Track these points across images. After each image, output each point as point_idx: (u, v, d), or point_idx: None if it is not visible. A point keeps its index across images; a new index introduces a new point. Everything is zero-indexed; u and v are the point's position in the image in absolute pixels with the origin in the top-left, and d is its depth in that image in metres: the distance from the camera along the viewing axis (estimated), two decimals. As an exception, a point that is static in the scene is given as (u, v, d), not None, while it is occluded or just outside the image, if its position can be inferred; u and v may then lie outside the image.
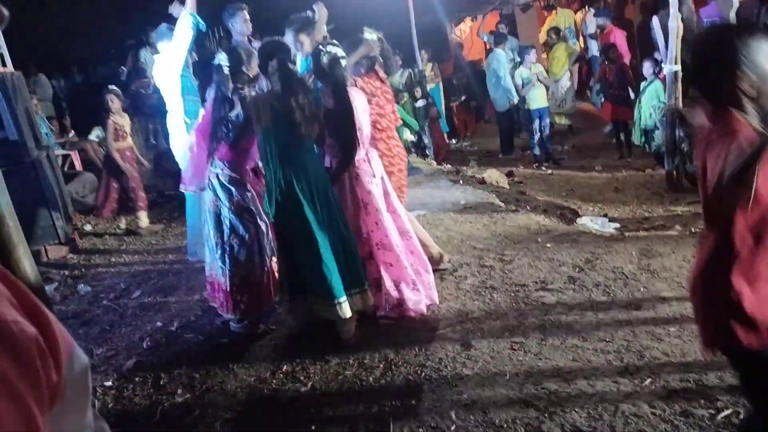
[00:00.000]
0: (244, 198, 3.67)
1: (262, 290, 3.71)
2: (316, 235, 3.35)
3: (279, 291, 3.72)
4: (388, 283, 3.65)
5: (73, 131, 10.77)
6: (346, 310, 3.39)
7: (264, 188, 3.52)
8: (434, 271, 4.04)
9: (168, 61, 4.90)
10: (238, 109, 3.57)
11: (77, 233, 6.66)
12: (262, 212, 3.68)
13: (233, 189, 3.64)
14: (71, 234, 6.42)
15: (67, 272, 5.63)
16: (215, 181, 3.65)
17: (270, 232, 3.70)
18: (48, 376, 0.57)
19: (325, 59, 3.55)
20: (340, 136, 3.55)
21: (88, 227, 7.04)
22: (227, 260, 3.65)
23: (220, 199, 3.65)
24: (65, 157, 8.99)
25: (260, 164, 3.65)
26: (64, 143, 9.45)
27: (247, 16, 5.04)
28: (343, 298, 3.39)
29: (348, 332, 3.49)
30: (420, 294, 3.71)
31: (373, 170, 3.70)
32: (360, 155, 3.64)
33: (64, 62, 14.01)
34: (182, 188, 4.35)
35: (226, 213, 3.65)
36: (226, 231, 3.65)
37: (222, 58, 3.70)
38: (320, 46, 3.65)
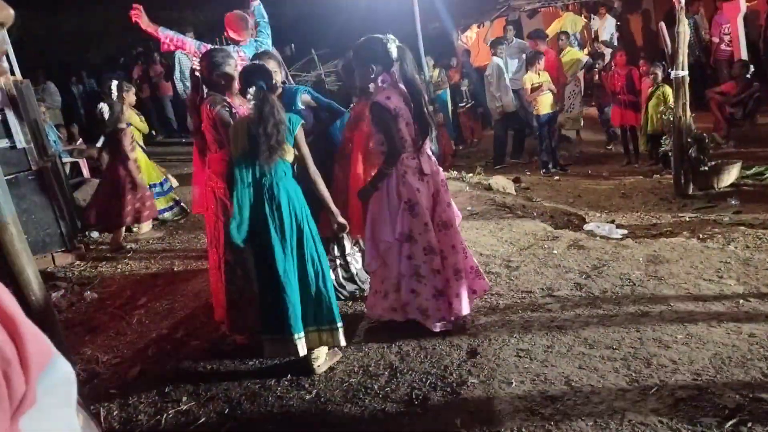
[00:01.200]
0: None
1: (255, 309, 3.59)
2: (278, 265, 3.17)
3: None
4: (433, 293, 3.50)
5: (81, 139, 10.84)
6: (301, 349, 3.21)
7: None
8: None
9: None
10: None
11: (84, 241, 6.68)
12: None
13: (228, 203, 3.56)
14: (78, 241, 6.44)
15: (73, 279, 5.65)
16: (211, 195, 3.63)
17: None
18: (13, 386, 0.56)
19: (393, 51, 3.45)
20: (387, 140, 3.42)
21: (94, 234, 7.06)
22: (225, 276, 3.64)
23: (216, 214, 3.63)
24: (73, 164, 9.03)
25: None
26: (71, 151, 9.50)
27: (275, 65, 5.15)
28: (300, 335, 3.20)
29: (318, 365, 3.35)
30: (460, 301, 3.56)
31: (422, 167, 3.52)
32: (407, 152, 3.47)
33: (73, 70, 14.13)
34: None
35: (221, 228, 3.61)
36: (222, 246, 3.63)
37: (195, 62, 3.63)
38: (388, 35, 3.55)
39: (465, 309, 3.55)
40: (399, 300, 3.57)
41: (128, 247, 6.42)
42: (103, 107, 6.43)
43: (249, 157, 3.20)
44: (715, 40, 9.87)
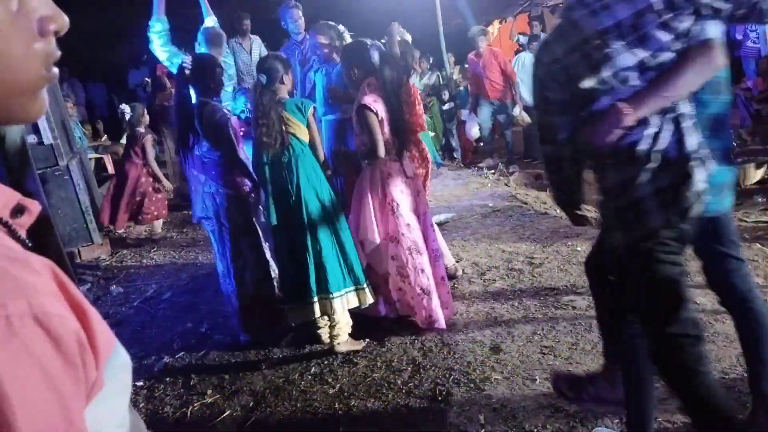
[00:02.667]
0: (243, 217, 3.65)
1: (272, 311, 3.68)
2: (308, 236, 3.38)
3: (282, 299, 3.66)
4: (417, 292, 3.56)
5: (105, 135, 10.97)
6: (337, 307, 3.41)
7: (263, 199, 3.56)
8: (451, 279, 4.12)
9: None
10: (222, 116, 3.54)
11: (109, 235, 6.77)
12: (261, 230, 3.70)
13: (231, 208, 3.62)
14: (103, 236, 6.53)
15: (99, 273, 5.72)
16: (209, 203, 3.63)
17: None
18: (87, 370, 0.58)
19: (375, 57, 3.56)
20: (371, 142, 3.50)
21: (120, 230, 7.14)
22: (234, 282, 3.67)
23: (218, 221, 3.65)
24: (98, 160, 9.14)
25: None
26: (97, 147, 9.62)
27: (299, 14, 5.21)
28: (336, 294, 3.40)
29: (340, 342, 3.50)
30: (444, 303, 3.67)
31: (405, 170, 3.65)
32: (391, 155, 3.59)
33: (98, 67, 14.30)
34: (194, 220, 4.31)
35: (226, 235, 3.63)
36: (228, 253, 3.65)
37: (186, 60, 3.59)
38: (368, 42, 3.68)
39: (445, 313, 3.64)
40: (389, 298, 3.70)
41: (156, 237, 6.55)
42: (125, 108, 6.53)
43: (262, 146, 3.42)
44: (739, 37, 9.70)
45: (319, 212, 3.41)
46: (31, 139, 5.82)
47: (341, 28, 4.48)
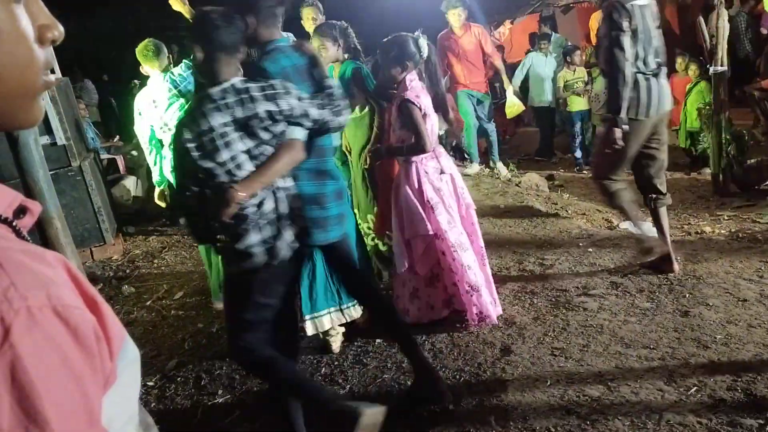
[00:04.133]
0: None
1: None
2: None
3: None
4: (466, 288, 3.52)
5: (118, 136, 11.03)
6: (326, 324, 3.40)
7: None
8: None
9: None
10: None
11: (121, 235, 6.81)
12: None
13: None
14: (115, 236, 6.56)
15: (111, 273, 5.76)
16: None
17: None
18: (103, 361, 0.60)
19: (424, 48, 3.51)
20: (416, 138, 3.45)
21: (131, 229, 7.19)
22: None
23: None
24: (110, 161, 9.20)
25: None
26: (109, 147, 9.67)
27: (313, 14, 5.20)
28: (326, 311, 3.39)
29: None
30: (495, 299, 3.65)
31: (442, 166, 3.57)
32: (426, 152, 3.51)
33: (109, 68, 14.38)
34: None
35: None
36: None
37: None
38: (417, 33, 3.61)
39: (495, 310, 3.62)
40: (435, 296, 3.64)
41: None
42: None
43: None
44: (764, 31, 9.60)
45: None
46: (44, 139, 5.87)
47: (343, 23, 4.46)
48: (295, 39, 3.26)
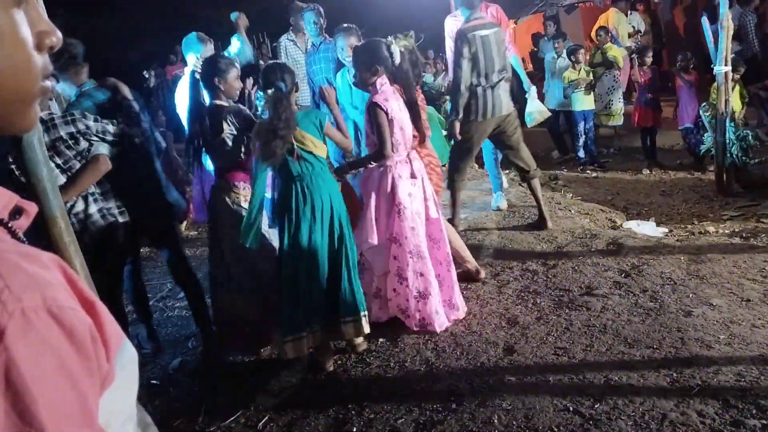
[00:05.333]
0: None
1: (254, 330, 3.52)
2: (319, 258, 3.24)
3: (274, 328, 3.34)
4: (413, 294, 3.56)
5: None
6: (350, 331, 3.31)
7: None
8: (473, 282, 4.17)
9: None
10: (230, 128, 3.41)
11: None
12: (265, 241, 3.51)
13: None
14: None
15: (115, 273, 5.76)
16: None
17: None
18: (99, 362, 0.60)
19: (396, 54, 3.53)
20: (379, 141, 3.47)
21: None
22: (210, 293, 3.64)
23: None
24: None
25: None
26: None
27: (313, 18, 5.24)
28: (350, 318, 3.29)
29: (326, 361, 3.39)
30: (446, 307, 3.68)
31: (414, 172, 3.63)
32: (401, 156, 3.57)
33: (114, 69, 14.42)
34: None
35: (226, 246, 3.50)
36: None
37: (197, 66, 3.46)
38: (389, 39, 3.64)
39: (451, 314, 3.69)
40: (384, 299, 3.70)
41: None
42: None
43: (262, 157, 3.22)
44: None
45: (340, 232, 3.31)
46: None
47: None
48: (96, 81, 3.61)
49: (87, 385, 0.57)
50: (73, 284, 0.62)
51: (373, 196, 3.56)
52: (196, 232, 6.84)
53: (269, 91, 3.20)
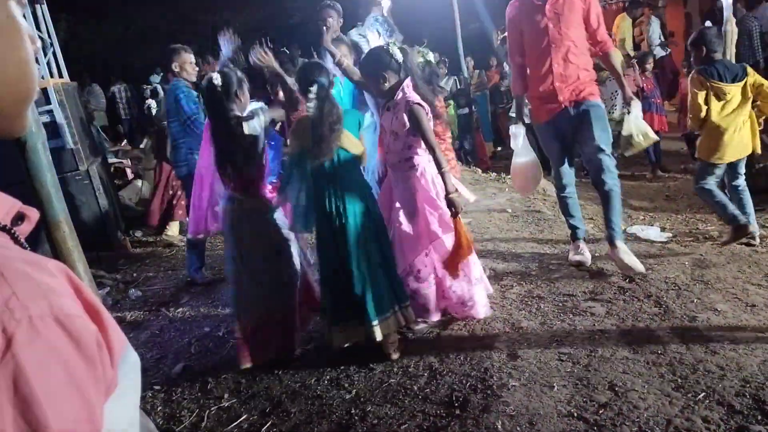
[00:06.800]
0: (264, 232, 3.53)
1: (273, 335, 3.54)
2: (351, 254, 3.26)
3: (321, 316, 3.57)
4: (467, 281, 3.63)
5: (125, 140, 11.08)
6: (377, 334, 3.29)
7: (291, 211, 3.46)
8: None
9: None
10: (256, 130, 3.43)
11: (128, 239, 6.83)
12: (286, 244, 3.54)
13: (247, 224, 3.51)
14: (123, 240, 6.59)
15: (118, 277, 5.77)
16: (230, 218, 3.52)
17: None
18: (105, 370, 0.60)
19: (408, 60, 3.52)
20: (432, 140, 3.45)
21: (138, 234, 7.21)
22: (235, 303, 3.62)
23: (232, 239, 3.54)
24: (118, 165, 9.24)
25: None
26: (117, 152, 9.72)
27: (330, 14, 5.21)
28: (375, 322, 3.28)
29: (392, 346, 3.43)
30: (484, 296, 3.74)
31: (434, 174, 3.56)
32: (418, 170, 3.53)
33: (117, 73, 14.48)
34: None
35: (240, 253, 3.51)
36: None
37: (214, 77, 3.45)
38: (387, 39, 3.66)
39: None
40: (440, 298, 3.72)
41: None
42: (151, 103, 6.61)
43: (311, 154, 3.27)
44: None
45: (370, 226, 3.33)
46: (53, 143, 5.91)
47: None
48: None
49: (93, 392, 0.57)
50: (78, 291, 0.63)
51: (420, 197, 3.51)
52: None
53: (313, 88, 3.21)
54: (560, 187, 4.58)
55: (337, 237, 3.29)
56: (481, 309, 3.70)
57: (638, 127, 4.40)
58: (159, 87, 7.40)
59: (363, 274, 3.28)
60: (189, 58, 5.07)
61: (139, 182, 8.55)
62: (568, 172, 4.53)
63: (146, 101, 6.83)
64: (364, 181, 3.47)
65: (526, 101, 4.64)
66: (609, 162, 4.17)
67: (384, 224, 3.48)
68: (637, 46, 11.26)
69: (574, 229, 4.57)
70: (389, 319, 3.33)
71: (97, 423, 0.57)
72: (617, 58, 4.52)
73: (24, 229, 0.67)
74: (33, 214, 0.68)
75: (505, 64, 11.47)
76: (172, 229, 6.86)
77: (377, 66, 3.51)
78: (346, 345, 3.41)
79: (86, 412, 0.56)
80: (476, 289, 3.67)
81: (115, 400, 0.63)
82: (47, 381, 0.52)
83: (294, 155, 3.36)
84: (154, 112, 6.60)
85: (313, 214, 3.35)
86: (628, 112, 4.39)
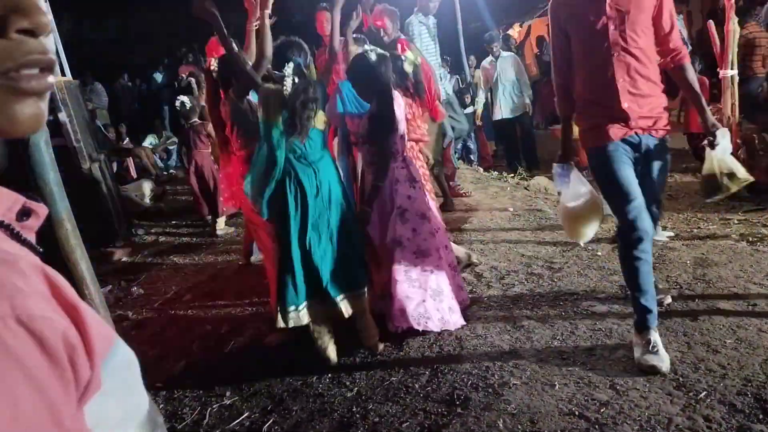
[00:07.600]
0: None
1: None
2: (310, 232, 3.27)
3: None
4: (418, 295, 3.55)
5: (127, 138, 11.09)
6: (345, 311, 3.35)
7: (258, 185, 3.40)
8: (465, 267, 4.26)
9: None
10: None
11: (131, 237, 6.84)
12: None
13: None
14: (126, 238, 6.60)
15: (121, 275, 5.78)
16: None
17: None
18: (78, 371, 0.58)
19: (373, 57, 3.53)
20: (381, 142, 3.50)
21: (141, 231, 7.22)
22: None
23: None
24: (121, 163, 9.26)
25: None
26: (119, 150, 9.74)
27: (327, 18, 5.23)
28: (341, 297, 3.34)
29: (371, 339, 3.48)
30: (453, 311, 3.65)
31: (413, 174, 3.64)
32: (397, 161, 3.59)
33: (119, 71, 14.50)
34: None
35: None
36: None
37: (214, 63, 3.50)
38: (365, 47, 3.67)
39: (458, 320, 3.64)
40: (395, 306, 3.59)
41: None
42: (185, 100, 6.66)
43: (280, 128, 3.27)
44: None
45: (329, 206, 3.34)
46: (55, 141, 5.92)
47: None
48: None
49: (60, 396, 0.55)
50: (56, 290, 0.61)
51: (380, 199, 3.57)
52: (195, 237, 6.86)
53: (288, 65, 3.23)
54: (629, 241, 2.99)
55: (303, 215, 3.28)
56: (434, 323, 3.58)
57: (725, 165, 3.24)
58: (193, 82, 7.41)
59: (325, 251, 3.31)
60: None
61: (144, 182, 8.57)
62: (644, 216, 2.98)
63: (178, 97, 6.83)
64: (329, 157, 3.45)
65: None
66: (657, 216, 3.30)
67: (351, 202, 3.50)
68: None
69: (643, 312, 3.03)
70: (353, 297, 3.37)
71: (64, 424, 0.55)
72: (693, 73, 3.28)
73: (31, 225, 0.65)
74: (41, 210, 0.67)
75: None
76: (220, 224, 6.90)
77: (363, 76, 3.56)
78: (306, 323, 3.36)
79: (51, 415, 0.54)
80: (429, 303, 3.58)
81: (99, 399, 0.61)
82: (6, 384, 0.51)
83: (264, 127, 3.32)
84: (188, 106, 6.63)
85: (273, 189, 3.31)
86: (711, 146, 3.23)
